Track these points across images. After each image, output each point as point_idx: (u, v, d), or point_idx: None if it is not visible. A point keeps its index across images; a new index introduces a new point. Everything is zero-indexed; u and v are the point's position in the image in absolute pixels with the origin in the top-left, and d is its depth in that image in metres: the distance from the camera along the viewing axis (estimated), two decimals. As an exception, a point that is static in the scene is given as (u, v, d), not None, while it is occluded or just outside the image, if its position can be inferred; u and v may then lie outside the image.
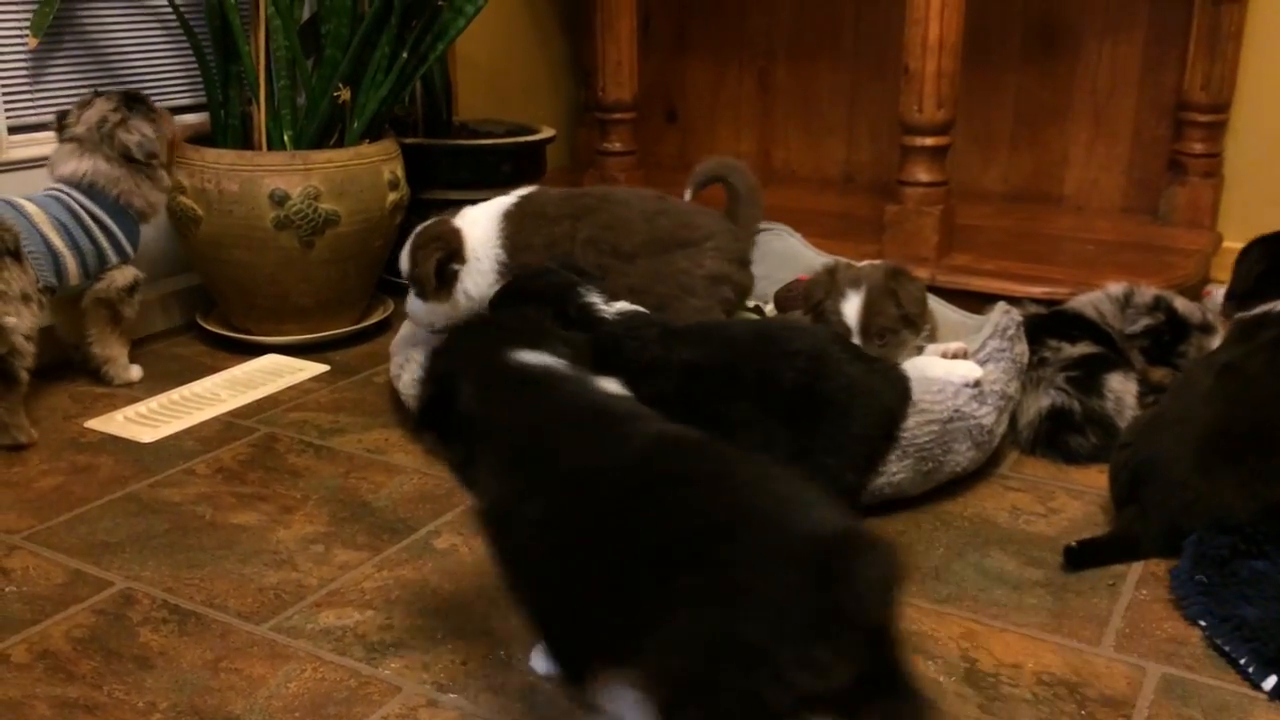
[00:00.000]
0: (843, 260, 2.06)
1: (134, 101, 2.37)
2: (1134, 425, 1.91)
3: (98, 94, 2.36)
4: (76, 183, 2.29)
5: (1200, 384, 1.80)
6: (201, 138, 2.66)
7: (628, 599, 1.01)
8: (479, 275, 2.14)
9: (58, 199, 2.26)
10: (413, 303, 2.19)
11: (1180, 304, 2.26)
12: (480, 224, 2.15)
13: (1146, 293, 2.27)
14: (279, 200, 2.47)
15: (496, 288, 2.07)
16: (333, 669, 1.50)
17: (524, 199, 2.18)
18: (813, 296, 1.97)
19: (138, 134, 2.31)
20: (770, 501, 1.02)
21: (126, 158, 2.31)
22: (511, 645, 1.54)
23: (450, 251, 2.12)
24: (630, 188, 2.38)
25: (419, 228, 2.19)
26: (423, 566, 1.74)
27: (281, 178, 2.48)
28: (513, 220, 2.14)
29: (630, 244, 2.09)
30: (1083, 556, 1.73)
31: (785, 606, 0.92)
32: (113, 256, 2.32)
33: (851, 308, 1.93)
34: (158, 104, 2.45)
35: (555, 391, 1.22)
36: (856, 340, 1.92)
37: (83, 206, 2.27)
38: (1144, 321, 2.21)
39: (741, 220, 2.20)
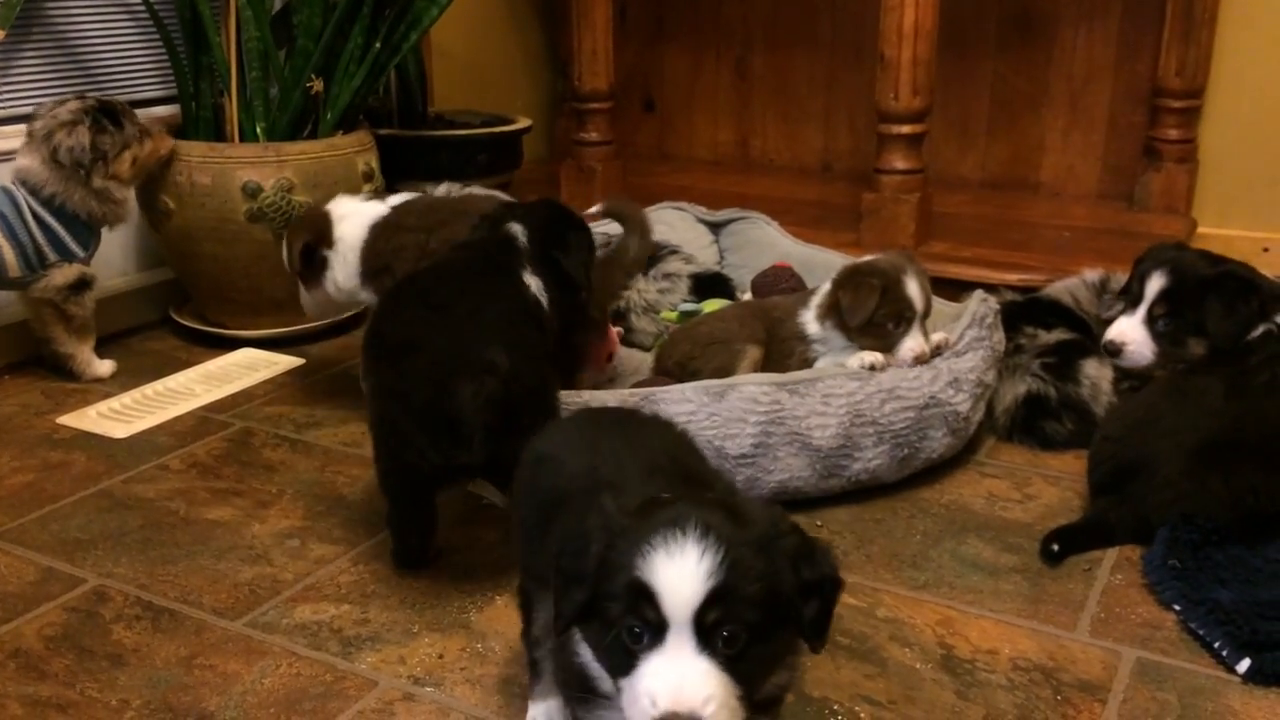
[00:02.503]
0: (862, 259, 2.04)
1: (102, 111, 2.31)
2: (1119, 419, 1.90)
3: (79, 96, 2.34)
4: (21, 179, 2.28)
5: (1202, 397, 1.79)
6: (173, 130, 2.63)
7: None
8: (345, 268, 2.14)
9: (4, 191, 2.25)
10: (302, 295, 2.23)
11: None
12: (352, 220, 2.15)
13: (1122, 278, 2.28)
14: (252, 193, 2.45)
15: (358, 289, 2.14)
16: (308, 664, 1.49)
17: (396, 209, 2.17)
18: (867, 305, 1.89)
19: (73, 140, 2.26)
20: (439, 354, 1.57)
21: (57, 161, 2.27)
22: (489, 638, 1.54)
23: (317, 236, 2.13)
24: (481, 197, 2.31)
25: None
26: (399, 560, 1.73)
27: (254, 170, 2.45)
28: (375, 230, 2.13)
29: None
30: (1061, 552, 1.72)
31: (425, 411, 1.54)
32: (51, 254, 2.29)
33: (915, 292, 1.93)
34: (149, 121, 2.41)
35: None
36: (918, 323, 1.93)
37: (26, 201, 2.26)
38: (1120, 306, 2.21)
39: (620, 254, 2.21)
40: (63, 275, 2.32)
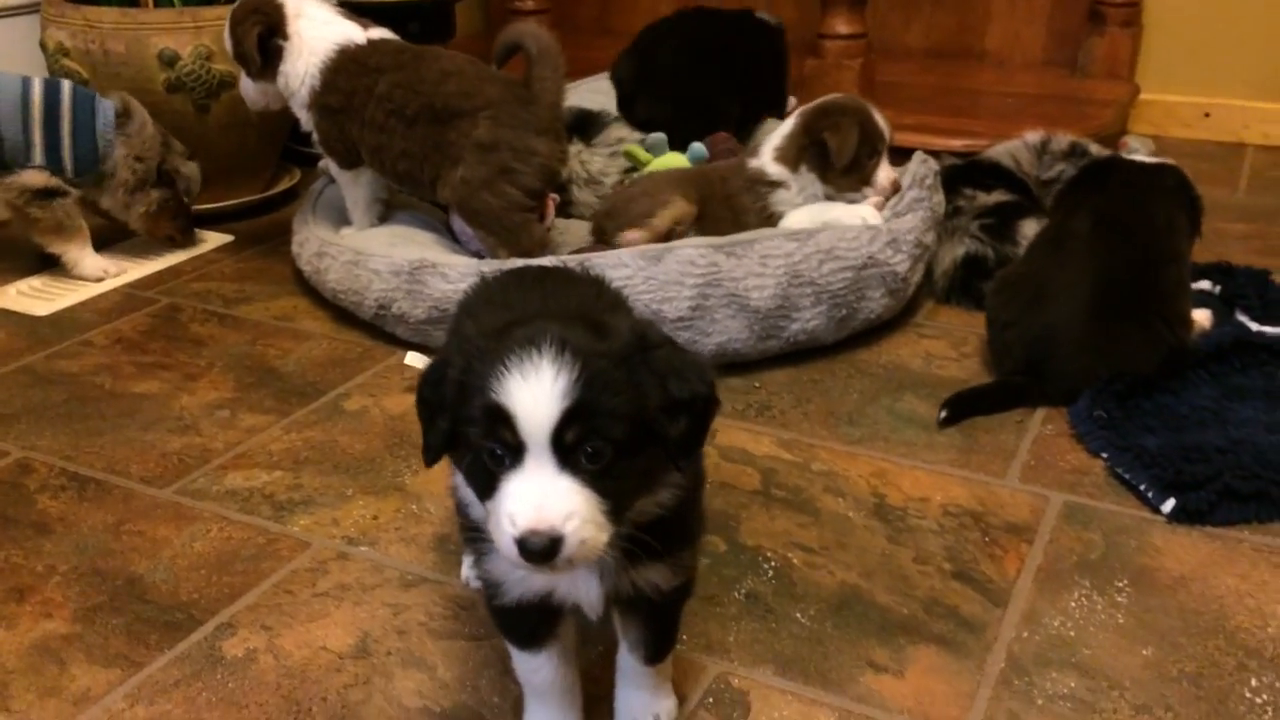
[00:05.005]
0: (816, 102, 2.01)
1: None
2: (1008, 303, 1.84)
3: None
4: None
5: (1072, 245, 1.78)
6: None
7: None
8: (299, 67, 2.03)
9: (50, 83, 2.16)
10: (244, 83, 2.12)
11: (1096, 150, 2.25)
12: (316, 27, 2.04)
13: (1063, 140, 2.26)
14: (169, 60, 2.34)
15: (305, 106, 2.07)
16: (240, 528, 1.47)
17: (372, 44, 2.05)
18: (851, 143, 1.91)
19: (184, 171, 2.27)
20: None
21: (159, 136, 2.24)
22: (423, 499, 1.53)
23: (270, 26, 2.03)
24: (455, 52, 2.10)
25: (238, 2, 2.09)
26: (332, 428, 1.71)
27: (170, 36, 2.34)
28: (345, 58, 2.02)
29: (413, 107, 1.97)
30: (949, 419, 1.70)
31: None
32: (38, 156, 2.13)
33: (882, 121, 1.96)
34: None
35: None
36: (886, 153, 1.96)
37: (55, 99, 2.13)
38: (1059, 167, 2.20)
39: (537, 85, 1.96)
40: (32, 178, 2.14)
